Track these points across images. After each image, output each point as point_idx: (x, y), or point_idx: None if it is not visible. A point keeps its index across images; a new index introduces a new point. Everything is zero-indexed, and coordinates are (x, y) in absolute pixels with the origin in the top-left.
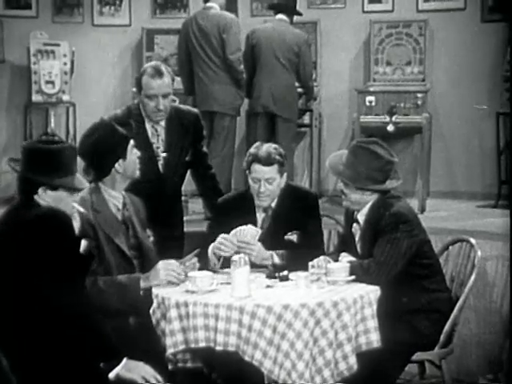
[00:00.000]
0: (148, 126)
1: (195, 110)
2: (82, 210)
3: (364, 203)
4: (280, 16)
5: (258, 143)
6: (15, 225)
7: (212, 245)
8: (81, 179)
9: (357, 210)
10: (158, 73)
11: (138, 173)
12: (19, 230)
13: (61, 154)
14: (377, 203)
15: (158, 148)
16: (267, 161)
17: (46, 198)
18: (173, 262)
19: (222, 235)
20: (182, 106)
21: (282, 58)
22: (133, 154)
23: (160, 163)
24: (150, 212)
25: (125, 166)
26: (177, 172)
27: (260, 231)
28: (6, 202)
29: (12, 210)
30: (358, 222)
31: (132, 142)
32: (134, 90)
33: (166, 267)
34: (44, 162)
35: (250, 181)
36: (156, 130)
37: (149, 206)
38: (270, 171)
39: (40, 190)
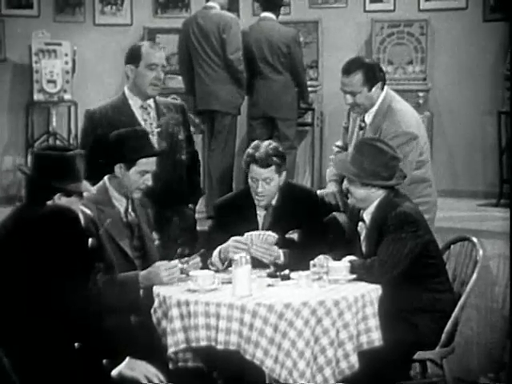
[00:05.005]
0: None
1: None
2: (88, 212)
3: (370, 201)
4: (265, 14)
5: (256, 142)
6: (23, 222)
7: (218, 248)
8: (88, 184)
9: (363, 209)
10: (157, 45)
11: (136, 195)
12: (28, 227)
13: (74, 161)
14: (383, 202)
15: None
16: (264, 162)
17: (60, 203)
18: (171, 262)
19: (235, 238)
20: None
21: (272, 60)
22: (140, 173)
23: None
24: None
25: (124, 175)
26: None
27: (277, 237)
28: (8, 201)
29: (19, 208)
30: (363, 220)
31: (145, 160)
32: (129, 65)
33: (166, 268)
34: (59, 168)
35: (249, 180)
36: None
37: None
38: (268, 172)
39: (56, 197)
